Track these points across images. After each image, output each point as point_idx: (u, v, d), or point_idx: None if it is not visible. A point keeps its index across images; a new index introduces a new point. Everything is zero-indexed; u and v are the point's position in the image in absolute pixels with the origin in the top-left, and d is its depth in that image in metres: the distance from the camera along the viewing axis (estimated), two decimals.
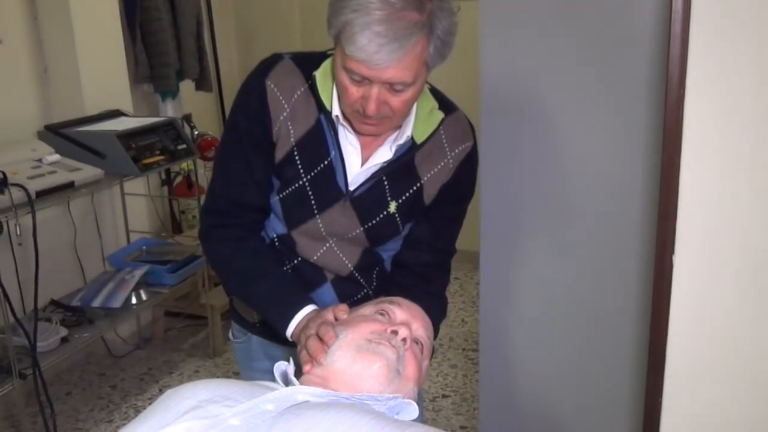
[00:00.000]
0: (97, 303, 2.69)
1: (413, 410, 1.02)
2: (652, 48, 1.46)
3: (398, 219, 1.29)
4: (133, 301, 2.78)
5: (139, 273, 2.81)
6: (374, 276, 1.37)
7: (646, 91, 1.49)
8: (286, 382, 1.03)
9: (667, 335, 0.91)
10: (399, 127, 1.23)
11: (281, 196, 1.28)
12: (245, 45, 4.22)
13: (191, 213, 3.64)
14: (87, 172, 2.52)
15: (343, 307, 1.16)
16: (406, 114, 1.20)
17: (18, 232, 2.25)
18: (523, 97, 1.64)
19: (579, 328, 1.71)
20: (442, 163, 1.28)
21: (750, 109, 0.82)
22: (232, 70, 4.14)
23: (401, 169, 1.26)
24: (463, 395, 2.77)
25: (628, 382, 1.65)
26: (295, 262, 1.33)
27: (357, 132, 1.23)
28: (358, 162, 1.26)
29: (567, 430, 1.79)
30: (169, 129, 2.88)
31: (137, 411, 2.69)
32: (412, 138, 1.25)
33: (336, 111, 1.21)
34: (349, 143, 1.25)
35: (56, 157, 2.53)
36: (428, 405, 2.68)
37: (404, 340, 1.07)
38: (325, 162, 1.24)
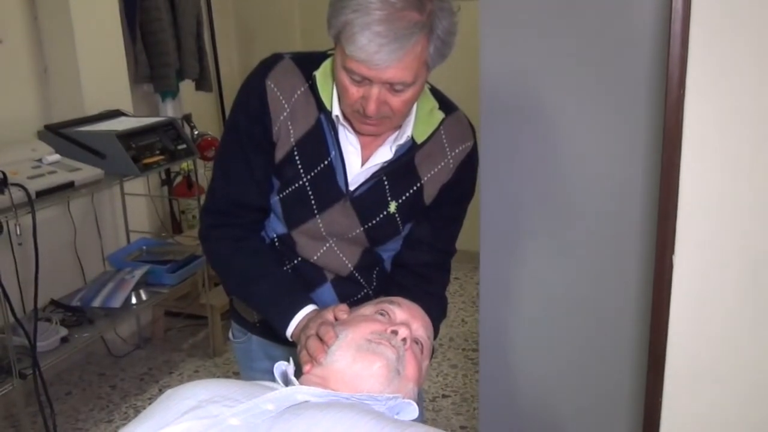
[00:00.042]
0: (97, 303, 2.69)
1: (413, 410, 1.02)
2: (652, 48, 1.46)
3: (398, 219, 1.29)
4: (133, 301, 2.78)
5: (139, 273, 2.81)
6: (374, 276, 1.36)
7: (646, 91, 1.49)
8: (286, 382, 1.03)
9: (667, 335, 0.91)
10: (399, 127, 1.23)
11: (281, 196, 1.28)
12: (245, 45, 4.22)
13: (191, 213, 3.64)
14: (87, 172, 2.52)
15: (343, 307, 1.16)
16: (406, 114, 1.20)
17: (18, 232, 2.25)
18: (523, 97, 1.64)
19: (579, 328, 1.71)
20: (443, 163, 1.28)
21: (750, 109, 0.82)
22: (232, 70, 4.14)
23: (401, 169, 1.26)
24: (463, 395, 2.77)
25: (628, 382, 1.65)
26: (295, 262, 1.33)
27: (357, 132, 1.23)
28: (358, 162, 1.26)
29: (567, 429, 1.79)
30: (169, 129, 2.88)
31: (137, 411, 2.69)
32: (412, 138, 1.25)
33: (336, 111, 1.21)
34: (349, 143, 1.25)
35: (56, 157, 2.53)
36: (428, 405, 2.68)
37: (404, 340, 1.07)
38: (325, 162, 1.24)
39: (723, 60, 0.81)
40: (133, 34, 3.26)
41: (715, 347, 0.91)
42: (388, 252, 1.37)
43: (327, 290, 1.33)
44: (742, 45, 0.80)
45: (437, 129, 1.27)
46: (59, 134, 2.66)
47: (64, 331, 2.48)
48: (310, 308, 1.22)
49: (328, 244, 1.31)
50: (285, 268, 1.32)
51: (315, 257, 1.32)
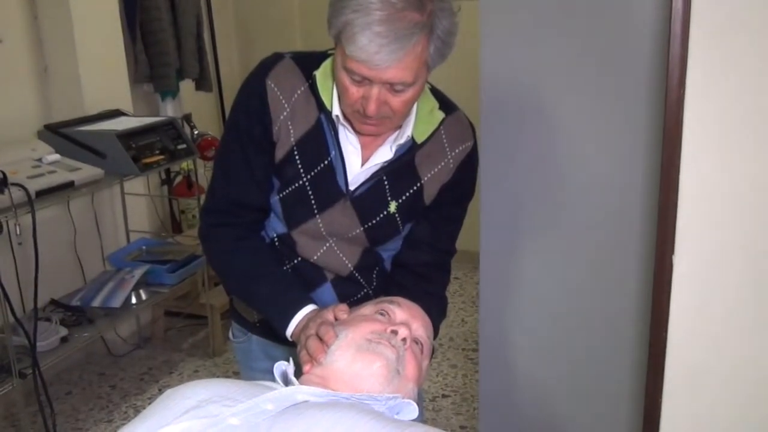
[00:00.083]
0: (96, 303, 2.69)
1: (413, 410, 1.02)
2: (652, 48, 1.46)
3: (398, 219, 1.29)
4: (133, 300, 2.78)
5: (138, 273, 2.81)
6: (374, 276, 1.36)
7: (646, 91, 1.49)
8: (286, 382, 1.03)
9: (667, 335, 0.90)
10: (399, 127, 1.23)
11: (281, 195, 1.28)
12: (245, 45, 4.22)
13: (191, 213, 3.64)
14: (87, 171, 2.52)
15: (343, 306, 1.16)
16: (406, 114, 1.20)
17: (18, 232, 2.25)
18: (523, 97, 1.64)
19: (579, 328, 1.71)
20: (443, 163, 1.28)
21: (750, 109, 0.82)
22: (232, 70, 4.14)
23: (401, 169, 1.26)
24: (462, 395, 2.77)
25: (628, 382, 1.65)
26: (295, 261, 1.33)
27: (357, 132, 1.23)
28: (359, 162, 1.26)
29: (567, 429, 1.79)
30: (169, 129, 2.88)
31: (137, 411, 2.69)
32: (412, 138, 1.25)
33: (336, 111, 1.21)
34: (350, 143, 1.25)
35: (56, 156, 2.53)
36: (428, 405, 2.68)
37: (404, 339, 1.07)
38: (325, 162, 1.24)
39: (723, 60, 0.81)
40: (133, 34, 3.26)
41: (715, 347, 0.91)
42: (388, 252, 1.37)
43: (327, 290, 1.33)
44: (742, 45, 0.80)
45: (437, 129, 1.27)
46: (59, 134, 2.66)
47: (64, 331, 2.48)
48: (309, 308, 1.22)
49: (328, 244, 1.31)
50: (285, 268, 1.32)
51: (315, 257, 1.32)
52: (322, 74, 1.23)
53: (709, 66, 0.81)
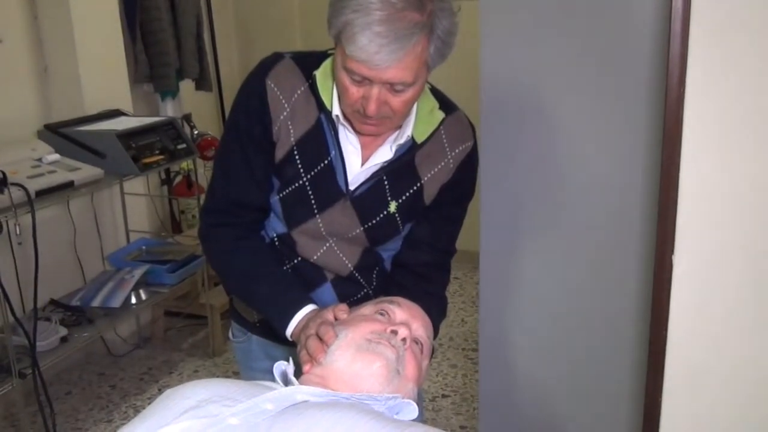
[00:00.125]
0: (96, 302, 2.69)
1: (413, 410, 1.02)
2: (652, 47, 1.46)
3: (398, 219, 1.29)
4: (133, 300, 2.78)
5: (138, 273, 2.81)
6: (374, 276, 1.36)
7: (646, 90, 1.49)
8: (286, 382, 1.03)
9: (667, 335, 0.90)
10: (399, 126, 1.23)
11: (281, 195, 1.28)
12: (245, 45, 4.22)
13: (191, 212, 3.64)
14: (87, 171, 2.52)
15: (343, 306, 1.16)
16: (406, 114, 1.20)
17: (18, 232, 2.25)
18: (523, 97, 1.64)
19: (579, 327, 1.71)
20: (443, 163, 1.28)
21: (750, 108, 0.82)
22: (232, 70, 4.14)
23: (401, 168, 1.26)
24: (462, 395, 2.77)
25: (628, 381, 1.65)
26: (295, 261, 1.33)
27: (357, 132, 1.23)
28: (359, 162, 1.26)
29: (567, 429, 1.79)
30: (169, 128, 2.88)
31: (137, 411, 2.69)
32: (412, 138, 1.25)
33: (336, 111, 1.21)
34: (350, 143, 1.25)
35: (56, 156, 2.53)
36: (428, 405, 2.68)
37: (404, 339, 1.07)
38: (325, 162, 1.24)
39: (723, 59, 0.81)
40: (133, 34, 3.26)
41: (715, 347, 0.91)
42: (388, 252, 1.37)
43: (327, 290, 1.33)
44: (742, 44, 0.80)
45: (437, 129, 1.26)
46: (59, 134, 2.66)
47: (63, 331, 2.48)
48: (309, 308, 1.22)
49: (328, 244, 1.31)
50: (285, 268, 1.32)
51: (315, 257, 1.31)
52: (322, 74, 1.23)
53: (709, 65, 0.81)
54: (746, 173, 0.84)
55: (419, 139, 1.25)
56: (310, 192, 1.26)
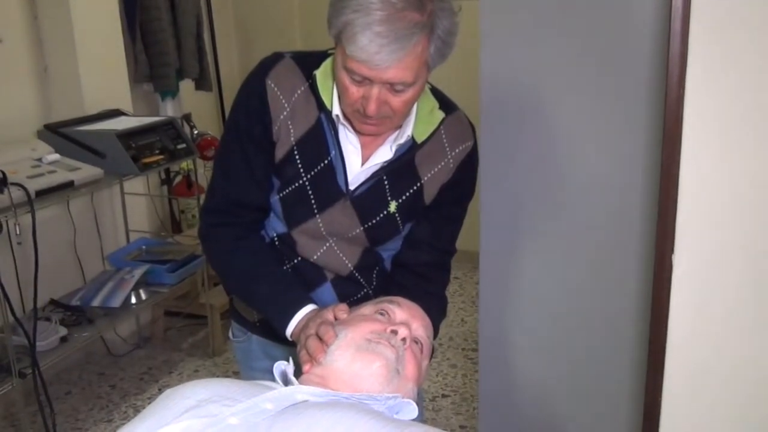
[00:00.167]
0: (96, 302, 2.69)
1: (412, 410, 1.02)
2: (652, 46, 1.46)
3: (398, 219, 1.29)
4: (133, 300, 2.77)
5: (138, 272, 2.81)
6: (374, 276, 1.36)
7: (646, 89, 1.49)
8: (286, 382, 1.03)
9: (667, 335, 0.90)
10: (399, 126, 1.23)
11: (281, 195, 1.28)
12: (245, 45, 4.22)
13: (191, 212, 3.64)
14: (87, 171, 2.52)
15: (343, 306, 1.16)
16: (406, 114, 1.20)
17: (17, 232, 2.25)
18: (523, 97, 1.64)
19: (578, 327, 1.71)
20: (443, 163, 1.28)
21: (750, 107, 0.82)
22: (232, 70, 4.14)
23: (401, 168, 1.26)
24: (462, 395, 2.77)
25: (628, 381, 1.65)
26: (295, 261, 1.33)
27: (357, 132, 1.23)
28: (359, 161, 1.26)
29: (566, 429, 1.79)
30: (169, 128, 2.88)
31: (137, 410, 2.69)
32: (412, 137, 1.25)
33: (336, 110, 1.21)
34: (350, 143, 1.25)
35: (56, 156, 2.53)
36: (428, 405, 2.68)
37: (404, 339, 1.07)
38: (326, 161, 1.24)
39: (723, 58, 0.81)
40: (133, 34, 3.26)
41: (715, 347, 0.91)
42: (388, 252, 1.37)
43: (327, 290, 1.33)
44: (742, 43, 0.80)
45: (437, 129, 1.26)
46: (59, 134, 2.66)
47: (63, 331, 2.48)
48: (309, 308, 1.22)
49: (328, 244, 1.31)
50: (285, 268, 1.32)
51: (315, 257, 1.31)
52: (322, 74, 1.23)
53: (709, 62, 0.81)
54: (746, 172, 0.84)
55: (419, 139, 1.25)
56: (310, 192, 1.26)
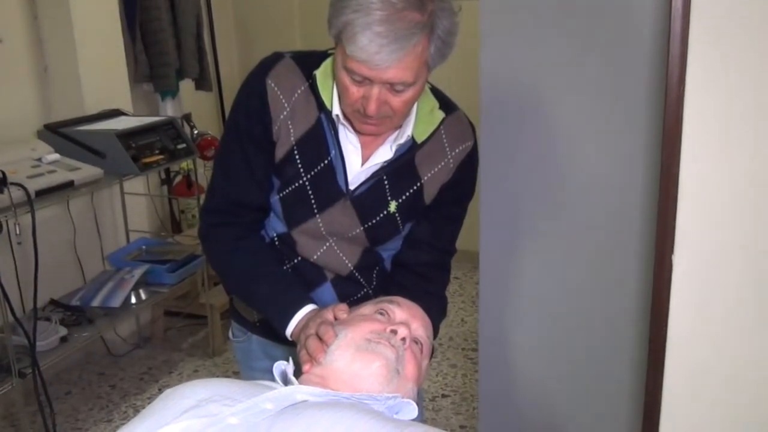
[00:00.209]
0: (96, 302, 2.69)
1: (412, 410, 1.02)
2: (652, 46, 1.46)
3: (398, 218, 1.29)
4: (133, 300, 2.77)
5: (138, 272, 2.81)
6: (374, 275, 1.36)
7: (646, 89, 1.49)
8: (286, 382, 1.03)
9: (666, 335, 0.90)
10: (399, 126, 1.23)
11: (281, 195, 1.28)
12: (245, 45, 4.22)
13: (191, 212, 3.64)
14: (86, 171, 2.52)
15: (343, 306, 1.16)
16: (406, 114, 1.20)
17: (17, 232, 2.25)
18: (523, 96, 1.64)
19: (578, 327, 1.71)
20: (443, 163, 1.28)
21: (751, 107, 0.82)
22: (232, 70, 4.14)
23: (401, 168, 1.26)
24: (462, 395, 2.77)
25: (628, 381, 1.65)
26: (295, 261, 1.33)
27: (357, 131, 1.23)
28: (359, 161, 1.26)
29: (566, 429, 1.79)
30: (169, 128, 2.88)
31: (136, 410, 2.69)
32: (412, 137, 1.25)
33: (336, 110, 1.21)
34: (350, 142, 1.25)
35: (56, 156, 2.53)
36: (428, 404, 2.68)
37: (404, 339, 1.07)
38: (326, 161, 1.24)
39: (723, 58, 0.81)
40: (133, 34, 3.26)
41: (715, 347, 0.91)
42: (388, 251, 1.37)
43: (327, 290, 1.33)
44: (742, 42, 0.80)
45: (437, 128, 1.27)
46: (59, 133, 2.65)
47: (63, 331, 2.48)
48: (309, 307, 1.22)
49: (328, 244, 1.31)
50: (285, 268, 1.32)
51: (315, 256, 1.31)
52: (322, 74, 1.23)
53: (709, 63, 0.81)
54: (746, 172, 0.84)
55: (419, 139, 1.25)
56: (310, 192, 1.26)
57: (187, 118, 3.49)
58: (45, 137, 2.66)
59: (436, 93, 1.30)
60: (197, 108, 3.70)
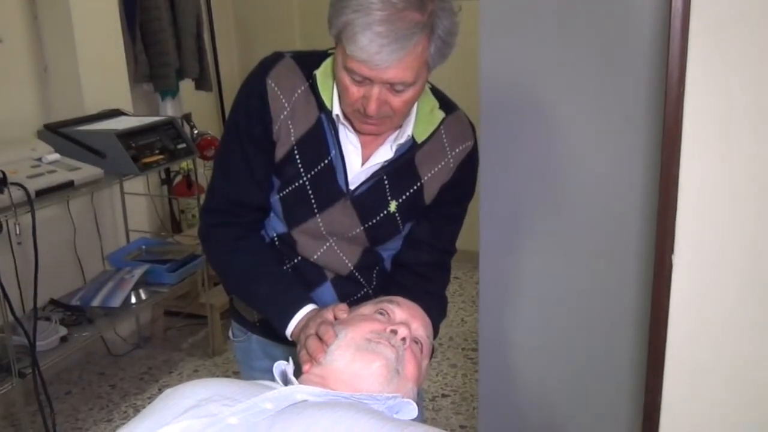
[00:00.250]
0: (96, 302, 2.69)
1: (412, 409, 1.02)
2: (652, 46, 1.46)
3: (398, 218, 1.29)
4: (133, 300, 2.77)
5: (138, 272, 2.81)
6: (374, 275, 1.36)
7: (645, 89, 1.49)
8: (286, 382, 1.03)
9: (666, 335, 0.90)
10: (399, 126, 1.23)
11: (281, 195, 1.28)
12: (245, 45, 4.22)
13: (191, 212, 3.64)
14: (87, 171, 2.52)
15: (343, 306, 1.16)
16: (406, 114, 1.20)
17: (17, 232, 2.25)
18: (523, 97, 1.64)
19: (578, 327, 1.71)
20: (443, 163, 1.28)
21: (750, 107, 0.82)
22: (232, 70, 4.14)
23: (402, 168, 1.26)
24: (462, 395, 2.77)
25: (628, 381, 1.65)
26: (295, 261, 1.33)
27: (357, 131, 1.23)
28: (359, 161, 1.26)
29: (566, 429, 1.79)
30: (169, 128, 2.88)
31: (136, 410, 2.69)
32: (412, 137, 1.25)
33: (336, 110, 1.21)
34: (350, 142, 1.25)
35: (56, 156, 2.53)
36: (428, 404, 2.68)
37: (404, 339, 1.07)
38: (326, 161, 1.24)
39: (723, 57, 0.81)
40: (133, 34, 3.26)
41: (715, 347, 0.91)
42: (388, 251, 1.37)
43: (327, 289, 1.33)
44: (742, 42, 0.80)
45: (438, 128, 1.26)
46: (59, 133, 2.66)
47: (63, 331, 2.48)
48: (309, 307, 1.22)
49: (328, 244, 1.31)
50: (285, 267, 1.32)
51: (315, 256, 1.31)
52: (322, 74, 1.23)
53: (709, 63, 0.81)
54: (746, 172, 0.84)
55: (419, 139, 1.25)
56: (310, 191, 1.26)
57: (187, 118, 3.49)
58: (45, 137, 2.66)
59: (436, 93, 1.30)
60: (197, 108, 3.70)
